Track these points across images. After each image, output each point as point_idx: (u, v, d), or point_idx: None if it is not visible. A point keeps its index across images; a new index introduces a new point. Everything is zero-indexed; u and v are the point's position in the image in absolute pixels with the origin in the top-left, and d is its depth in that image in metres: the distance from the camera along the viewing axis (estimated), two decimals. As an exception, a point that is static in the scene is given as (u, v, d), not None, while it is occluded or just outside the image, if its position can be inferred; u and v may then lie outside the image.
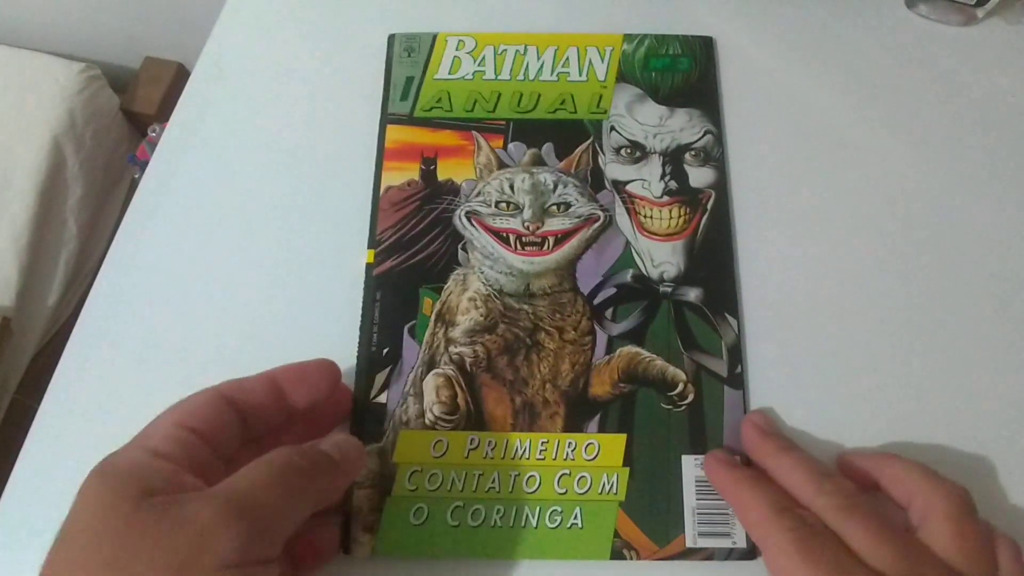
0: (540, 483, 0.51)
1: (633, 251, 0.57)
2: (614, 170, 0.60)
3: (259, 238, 0.59)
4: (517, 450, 0.52)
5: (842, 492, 0.45)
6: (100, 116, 1.49)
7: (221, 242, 0.59)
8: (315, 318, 0.56)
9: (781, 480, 0.48)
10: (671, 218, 0.58)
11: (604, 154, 0.60)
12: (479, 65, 0.64)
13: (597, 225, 0.58)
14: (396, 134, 0.61)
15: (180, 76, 1.59)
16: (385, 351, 0.54)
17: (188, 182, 0.62)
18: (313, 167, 0.61)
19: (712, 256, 0.57)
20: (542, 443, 0.52)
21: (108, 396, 0.55)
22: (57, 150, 1.41)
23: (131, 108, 1.56)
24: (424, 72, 0.63)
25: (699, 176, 0.59)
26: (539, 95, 0.62)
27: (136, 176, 1.55)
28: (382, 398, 0.53)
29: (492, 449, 0.52)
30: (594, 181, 0.59)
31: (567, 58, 0.64)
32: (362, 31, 0.66)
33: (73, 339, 0.57)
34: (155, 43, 1.57)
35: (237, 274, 0.58)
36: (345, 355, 0.54)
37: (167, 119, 0.65)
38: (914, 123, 0.63)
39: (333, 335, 0.55)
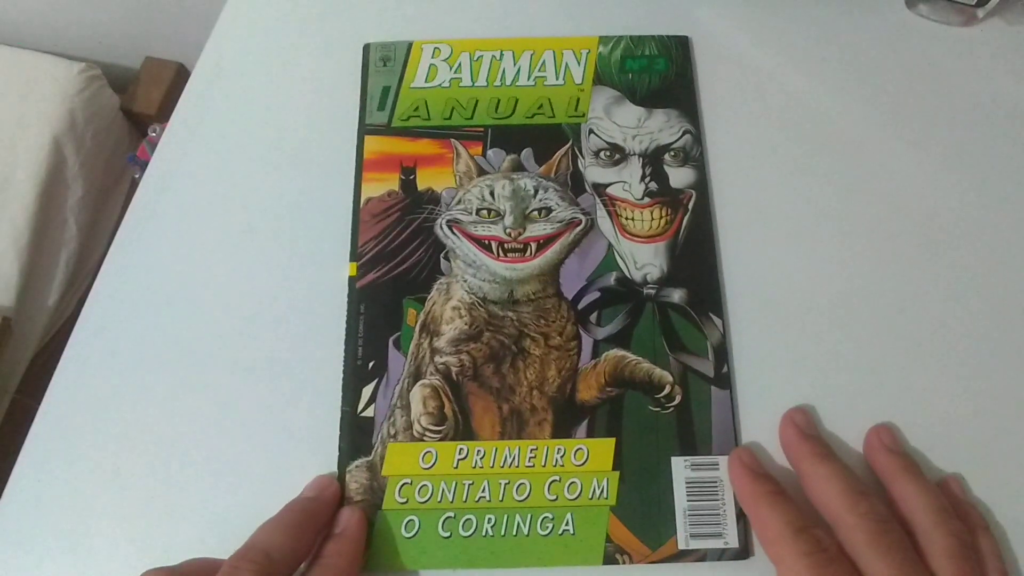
0: (530, 491, 0.51)
1: (616, 254, 0.57)
2: (594, 173, 0.59)
3: (252, 240, 0.59)
4: (506, 458, 0.52)
5: (875, 516, 0.45)
6: (100, 116, 1.48)
7: (220, 242, 0.59)
8: (301, 332, 0.56)
9: (813, 488, 0.48)
10: (653, 219, 0.58)
11: (583, 157, 0.60)
12: (455, 72, 0.63)
13: (579, 229, 0.58)
14: (374, 145, 0.61)
15: (180, 76, 1.58)
16: (371, 364, 0.54)
17: (188, 182, 0.62)
18: (295, 180, 0.61)
19: (695, 256, 0.57)
20: (531, 450, 0.52)
21: (108, 396, 0.55)
22: (57, 150, 1.40)
23: (131, 108, 1.55)
24: (400, 81, 0.63)
25: (679, 176, 0.59)
26: (516, 100, 0.62)
27: (136, 176, 1.55)
28: (369, 411, 0.53)
29: (481, 458, 0.52)
30: (574, 185, 0.59)
31: (543, 62, 0.63)
32: (337, 41, 0.66)
33: (73, 339, 0.57)
34: (155, 43, 1.57)
35: (232, 273, 0.58)
36: (331, 369, 0.55)
37: (167, 119, 0.64)
38: (911, 123, 0.62)
39: (319, 349, 0.55)
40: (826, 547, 0.44)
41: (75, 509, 0.52)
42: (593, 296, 0.56)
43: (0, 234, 1.34)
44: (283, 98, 0.64)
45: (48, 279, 1.41)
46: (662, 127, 0.61)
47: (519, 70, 0.63)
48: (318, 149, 0.62)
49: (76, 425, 0.54)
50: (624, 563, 0.50)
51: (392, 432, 0.52)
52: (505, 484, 0.51)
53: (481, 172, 0.59)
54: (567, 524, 0.50)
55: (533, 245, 0.57)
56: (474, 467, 0.52)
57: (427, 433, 0.52)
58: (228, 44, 0.67)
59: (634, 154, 0.60)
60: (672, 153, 0.60)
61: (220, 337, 0.57)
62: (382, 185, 0.59)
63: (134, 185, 1.55)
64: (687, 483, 0.51)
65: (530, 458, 0.52)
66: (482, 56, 0.64)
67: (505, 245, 0.57)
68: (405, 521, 0.50)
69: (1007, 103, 0.63)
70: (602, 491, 0.51)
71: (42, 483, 0.53)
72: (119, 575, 0.50)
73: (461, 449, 0.52)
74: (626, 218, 0.58)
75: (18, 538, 0.52)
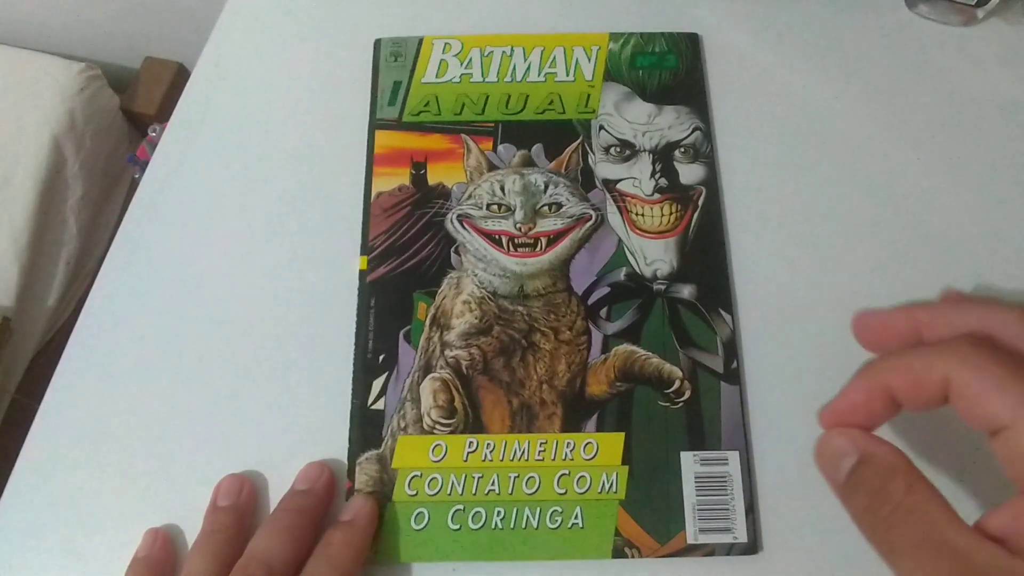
0: (540, 484, 0.51)
1: (626, 249, 0.57)
2: (604, 169, 0.60)
3: (256, 243, 0.59)
4: (516, 452, 0.52)
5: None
6: (100, 116, 1.48)
7: (221, 242, 0.59)
8: (311, 326, 0.56)
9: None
10: (662, 215, 0.58)
11: (594, 153, 0.60)
12: (466, 68, 0.63)
13: (589, 224, 0.58)
14: (385, 139, 0.61)
15: (180, 76, 1.58)
16: (381, 357, 0.55)
17: (188, 182, 0.62)
18: (305, 174, 0.61)
19: (704, 252, 0.57)
20: (540, 444, 0.52)
21: (108, 396, 0.55)
22: (57, 150, 1.40)
23: (131, 108, 1.55)
24: (411, 76, 0.63)
25: (689, 173, 0.59)
26: (527, 96, 0.62)
27: (136, 176, 1.54)
28: (379, 404, 0.53)
29: (491, 451, 0.52)
30: (585, 181, 0.59)
31: (554, 58, 0.64)
32: (348, 36, 0.66)
33: (73, 339, 0.57)
34: (155, 43, 1.57)
35: (236, 272, 0.58)
36: (341, 362, 0.55)
37: (167, 119, 0.65)
38: (912, 122, 0.62)
39: (329, 343, 0.56)
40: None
41: (75, 509, 0.52)
42: (603, 291, 0.56)
43: (0, 234, 1.33)
44: (285, 96, 0.65)
45: (48, 279, 1.40)
46: (672, 124, 0.61)
47: (529, 66, 0.63)
48: (328, 144, 0.62)
49: (76, 425, 0.54)
50: (633, 557, 0.50)
51: (402, 425, 0.53)
52: (514, 477, 0.51)
53: (492, 167, 0.60)
54: (576, 518, 0.50)
55: (543, 240, 0.57)
56: (484, 460, 0.52)
57: (437, 426, 0.52)
58: (228, 44, 0.67)
59: (644, 150, 0.60)
60: (682, 150, 0.60)
61: (225, 334, 0.57)
62: (393, 179, 0.60)
63: (134, 185, 1.54)
64: (696, 478, 0.51)
65: (539, 452, 0.52)
66: (493, 52, 0.64)
67: (515, 240, 0.57)
68: (415, 513, 0.50)
69: (1007, 103, 0.63)
70: (611, 485, 0.51)
71: (42, 483, 0.53)
72: (119, 575, 0.50)
73: (471, 442, 0.52)
74: (636, 214, 0.58)
75: (18, 538, 0.52)
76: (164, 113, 1.53)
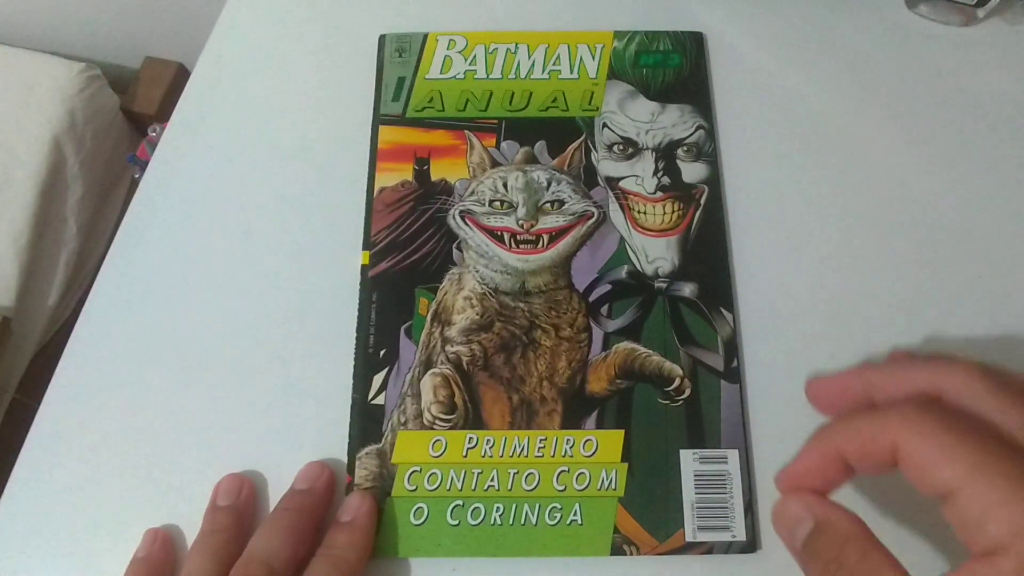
0: (539, 480, 0.51)
1: (627, 247, 0.57)
2: (607, 167, 0.60)
3: (258, 238, 0.59)
4: (515, 448, 0.52)
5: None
6: (100, 116, 1.49)
7: (221, 243, 0.59)
8: (312, 321, 0.56)
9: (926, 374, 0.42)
10: (665, 214, 0.58)
11: (597, 151, 0.60)
12: (470, 64, 0.64)
13: (591, 222, 0.58)
14: (389, 135, 0.61)
15: (180, 76, 1.59)
16: (382, 352, 0.55)
17: (188, 182, 0.62)
18: (308, 169, 0.61)
19: (706, 251, 0.57)
20: (540, 440, 0.52)
21: (108, 396, 0.55)
22: (57, 150, 1.40)
23: (131, 108, 1.56)
24: (415, 72, 0.63)
25: (692, 171, 0.59)
26: (531, 93, 0.62)
27: (136, 176, 1.55)
28: (380, 399, 0.53)
29: (490, 447, 0.52)
30: (587, 178, 0.59)
31: (558, 56, 0.64)
32: (353, 32, 0.66)
33: (73, 339, 0.57)
34: (155, 43, 1.57)
35: (236, 274, 0.58)
36: (342, 357, 0.55)
37: (167, 119, 0.64)
38: (913, 122, 0.62)
39: (330, 337, 0.56)
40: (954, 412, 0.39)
41: (75, 509, 0.52)
42: (604, 289, 0.56)
43: (0, 234, 1.34)
44: (286, 93, 0.65)
45: (48, 279, 1.41)
46: (675, 122, 0.61)
47: (533, 63, 0.63)
48: (331, 139, 0.62)
49: (76, 425, 0.54)
50: (631, 554, 0.49)
51: (402, 420, 0.53)
52: (514, 474, 0.51)
53: (495, 164, 0.60)
54: (575, 514, 0.50)
55: (545, 237, 0.57)
56: (483, 456, 0.52)
57: (437, 422, 0.52)
58: (228, 43, 0.67)
59: (647, 148, 0.60)
60: (685, 148, 0.60)
61: (225, 332, 0.57)
62: (396, 175, 0.60)
63: (134, 185, 1.55)
64: (695, 476, 0.51)
65: (539, 448, 0.52)
66: (497, 49, 0.64)
67: (517, 236, 0.57)
68: (414, 509, 0.50)
69: (1007, 103, 0.63)
70: (610, 482, 0.51)
71: (42, 483, 0.53)
72: (119, 575, 0.49)
73: (471, 438, 0.52)
74: (638, 212, 0.58)
75: (18, 538, 0.52)
76: (164, 113, 1.53)
